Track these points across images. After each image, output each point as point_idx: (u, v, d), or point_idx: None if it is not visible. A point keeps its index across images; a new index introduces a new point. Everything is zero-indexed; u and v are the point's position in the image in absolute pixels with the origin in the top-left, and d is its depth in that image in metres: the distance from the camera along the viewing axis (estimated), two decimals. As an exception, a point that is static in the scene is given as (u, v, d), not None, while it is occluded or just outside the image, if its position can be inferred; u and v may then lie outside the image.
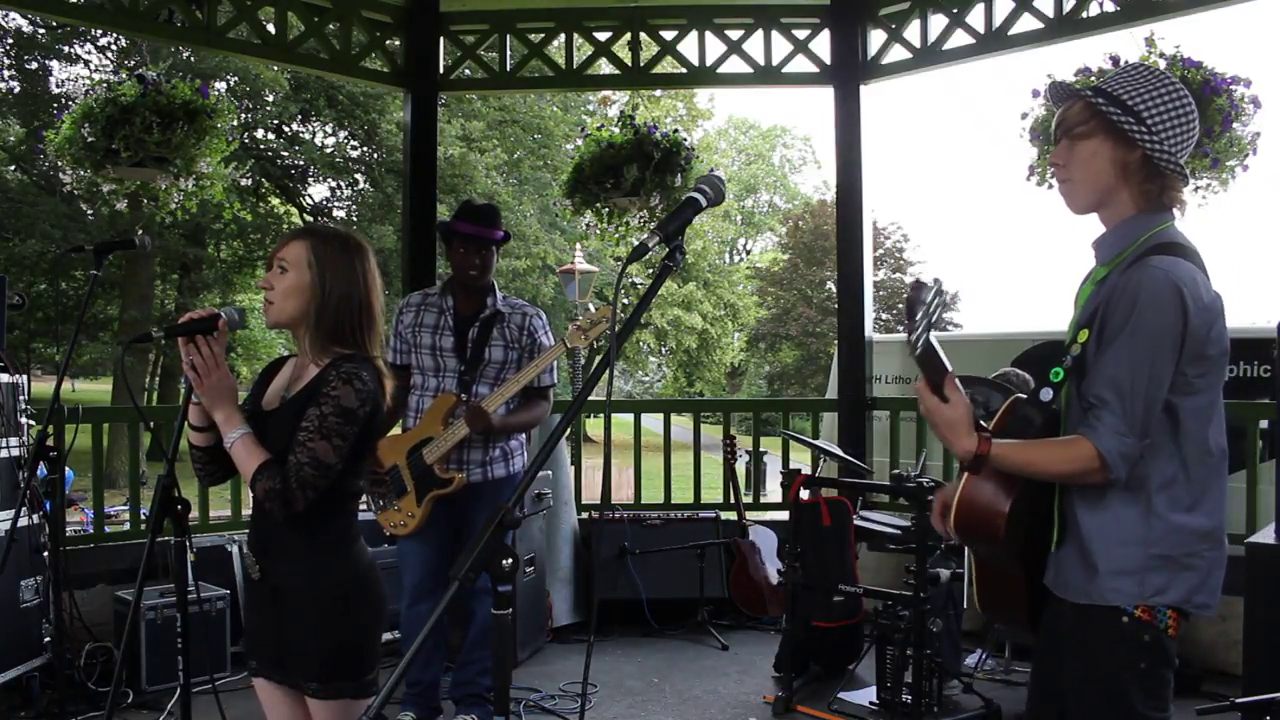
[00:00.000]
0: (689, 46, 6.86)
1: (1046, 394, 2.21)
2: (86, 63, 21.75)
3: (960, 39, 6.30)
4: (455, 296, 4.51)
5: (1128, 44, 5.32)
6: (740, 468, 7.27)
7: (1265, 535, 4.42)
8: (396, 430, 4.54)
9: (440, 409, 4.30)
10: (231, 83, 21.08)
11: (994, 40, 6.13)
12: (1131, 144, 2.21)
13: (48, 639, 4.74)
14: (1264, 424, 5.89)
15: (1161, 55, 5.12)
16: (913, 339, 2.06)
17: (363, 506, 4.03)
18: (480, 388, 4.40)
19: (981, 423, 2.20)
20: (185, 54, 19.38)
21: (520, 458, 4.59)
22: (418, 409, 4.46)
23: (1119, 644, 2.20)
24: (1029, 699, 2.55)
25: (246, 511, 2.80)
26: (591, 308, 4.12)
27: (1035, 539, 2.33)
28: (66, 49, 21.29)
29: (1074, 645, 2.27)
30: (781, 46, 6.79)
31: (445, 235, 4.50)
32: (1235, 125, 5.03)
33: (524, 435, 4.65)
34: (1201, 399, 2.20)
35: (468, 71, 7.81)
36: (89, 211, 19.75)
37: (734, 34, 6.79)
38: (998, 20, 6.11)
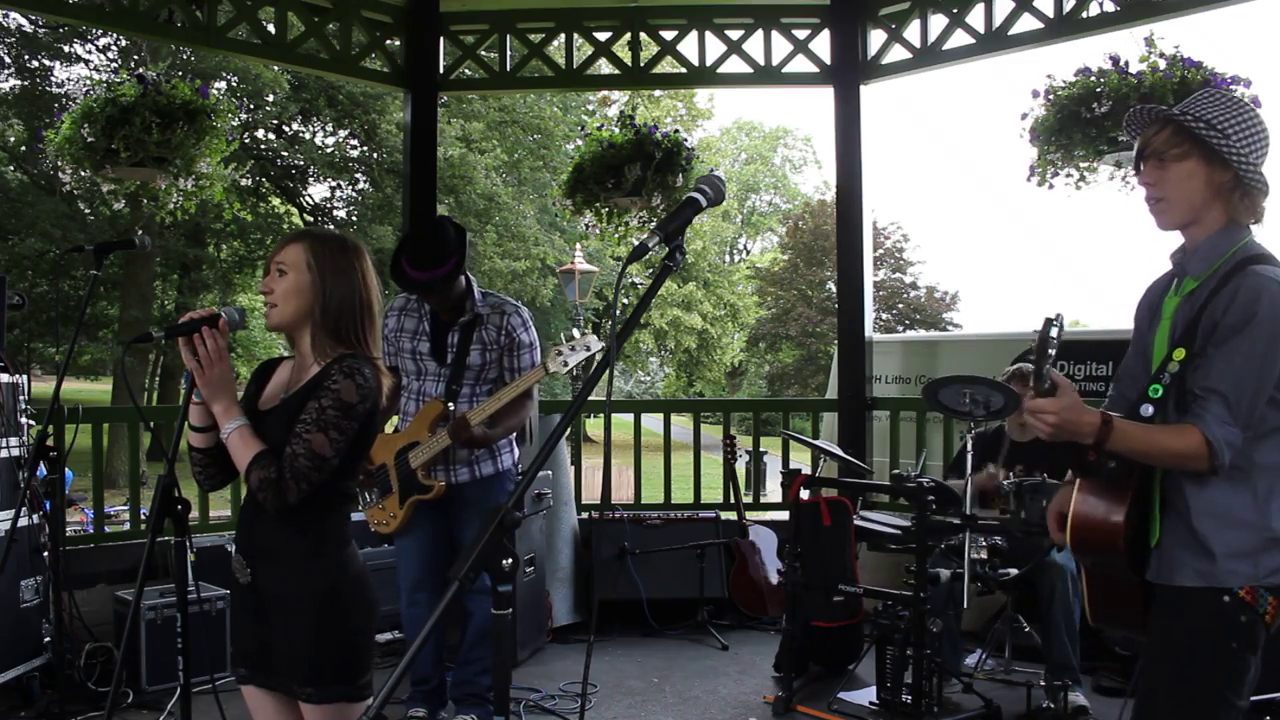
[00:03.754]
0: (689, 46, 6.86)
1: (1147, 410, 2.33)
2: (87, 63, 21.77)
3: (960, 39, 6.31)
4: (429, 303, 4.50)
5: (1128, 44, 5.33)
6: (740, 468, 7.27)
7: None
8: (389, 429, 4.57)
9: (427, 415, 4.33)
10: (232, 83, 21.09)
11: (994, 40, 6.14)
12: (1225, 164, 2.36)
13: (48, 639, 4.74)
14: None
15: (1161, 55, 5.12)
16: (1044, 372, 2.26)
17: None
18: (464, 391, 4.43)
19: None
20: (185, 54, 19.40)
21: (508, 453, 4.60)
22: (403, 411, 4.51)
23: (1214, 621, 2.31)
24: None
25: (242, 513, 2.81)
26: (576, 334, 4.10)
27: (1141, 542, 2.42)
28: (67, 49, 21.30)
29: (1167, 622, 2.37)
30: (781, 46, 6.80)
31: (397, 278, 4.38)
32: (1235, 125, 5.02)
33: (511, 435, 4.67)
34: None
35: (468, 71, 7.81)
36: (89, 211, 19.80)
37: (734, 34, 6.79)
38: (998, 20, 6.12)
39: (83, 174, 5.40)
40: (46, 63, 21.33)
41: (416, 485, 4.29)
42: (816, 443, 6.00)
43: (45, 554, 4.79)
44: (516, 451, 4.67)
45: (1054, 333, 2.26)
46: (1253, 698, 2.81)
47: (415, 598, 4.46)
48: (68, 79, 21.54)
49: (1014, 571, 4.73)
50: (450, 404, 4.36)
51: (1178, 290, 2.49)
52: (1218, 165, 2.36)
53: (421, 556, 4.45)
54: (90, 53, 21.81)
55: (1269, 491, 2.31)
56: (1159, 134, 2.42)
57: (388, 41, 6.82)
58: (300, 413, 2.48)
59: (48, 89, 20.89)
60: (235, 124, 5.84)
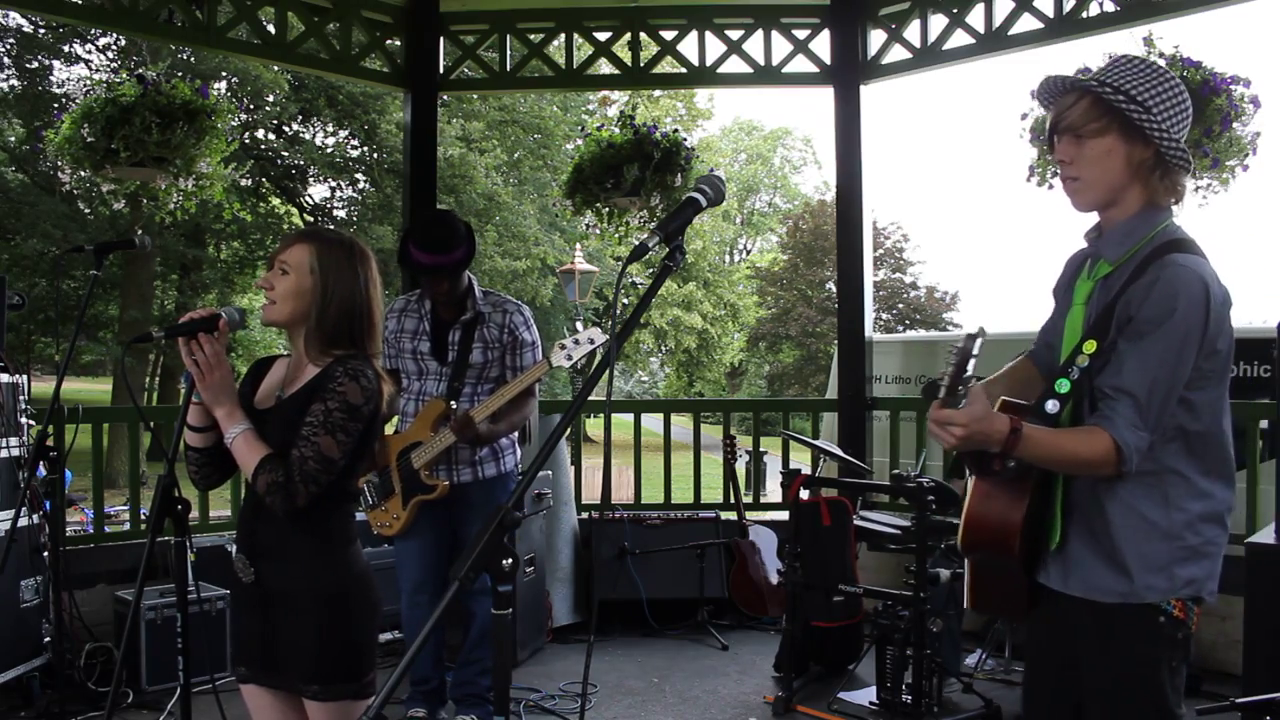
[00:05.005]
0: (689, 46, 6.86)
1: (1052, 406, 2.18)
2: (87, 63, 21.77)
3: (960, 39, 6.31)
4: (434, 301, 4.51)
5: (1127, 44, 5.33)
6: (740, 468, 7.27)
7: (1265, 535, 4.43)
8: (389, 431, 4.57)
9: (429, 415, 4.32)
10: (232, 83, 21.09)
11: (994, 40, 6.14)
12: (1146, 140, 2.19)
13: (48, 639, 4.74)
14: (1264, 424, 5.89)
15: (1161, 55, 5.12)
16: (959, 386, 2.09)
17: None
18: (465, 389, 4.43)
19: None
20: (185, 54, 19.40)
21: (511, 455, 4.61)
22: (403, 412, 4.50)
23: (1155, 643, 2.22)
24: (1031, 701, 2.52)
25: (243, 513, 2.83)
26: (580, 327, 4.08)
27: (1034, 540, 2.31)
28: (67, 49, 21.30)
29: (1102, 646, 2.27)
30: (781, 46, 6.80)
31: (405, 263, 4.41)
32: (1235, 125, 5.03)
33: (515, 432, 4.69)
34: (1214, 391, 2.22)
35: (468, 71, 7.82)
36: (89, 211, 19.81)
37: (734, 34, 6.79)
38: (998, 20, 6.11)
39: (82, 174, 5.39)
40: (46, 62, 21.32)
41: (420, 485, 4.28)
42: (816, 443, 6.00)
43: (45, 554, 4.79)
44: (519, 453, 4.68)
45: (976, 347, 2.10)
46: (1253, 698, 2.80)
47: (416, 599, 4.46)
48: (68, 79, 21.57)
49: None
50: (452, 402, 4.37)
51: (1091, 273, 2.34)
52: (1138, 142, 2.19)
53: (423, 558, 4.44)
54: (90, 53, 21.81)
55: (1179, 498, 2.20)
56: (1075, 106, 2.23)
57: (388, 41, 6.82)
58: (302, 414, 2.48)
59: (47, 89, 20.90)
60: (235, 124, 5.83)
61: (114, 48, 21.44)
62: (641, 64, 7.00)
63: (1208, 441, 2.24)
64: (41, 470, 4.70)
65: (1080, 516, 2.27)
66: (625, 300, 25.08)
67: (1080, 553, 2.27)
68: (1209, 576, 2.24)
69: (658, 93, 31.78)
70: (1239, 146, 5.08)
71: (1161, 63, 5.02)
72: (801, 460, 6.69)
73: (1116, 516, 2.22)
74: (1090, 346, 2.17)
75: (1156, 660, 2.21)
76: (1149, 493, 2.20)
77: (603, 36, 6.91)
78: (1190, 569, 2.21)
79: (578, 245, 20.23)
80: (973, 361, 2.09)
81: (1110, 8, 5.68)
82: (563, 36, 6.96)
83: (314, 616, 2.51)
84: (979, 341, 2.09)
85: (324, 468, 2.44)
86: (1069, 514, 2.29)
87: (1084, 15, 5.76)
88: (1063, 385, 2.18)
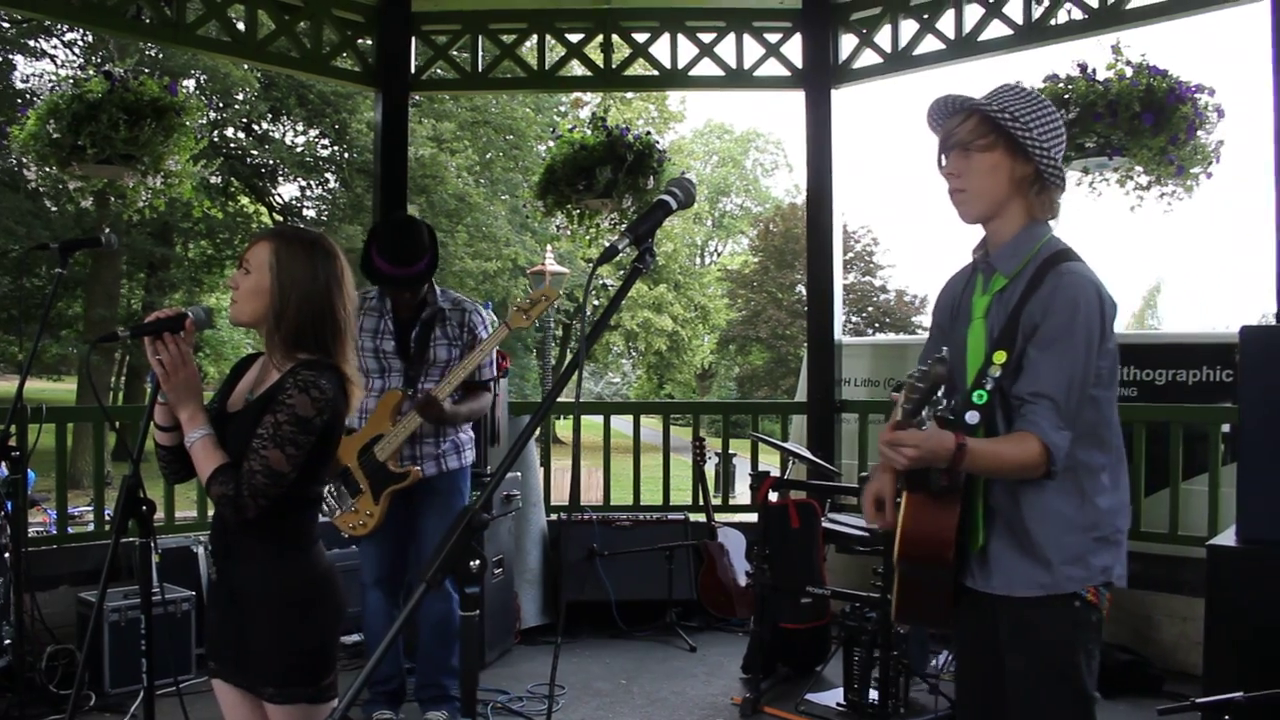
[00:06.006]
0: (661, 49, 6.88)
1: (973, 417, 2.28)
2: (52, 58, 21.52)
3: (931, 44, 6.35)
4: (394, 299, 4.50)
5: (1095, 51, 5.38)
6: (709, 470, 7.28)
7: (1226, 538, 4.47)
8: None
9: (387, 406, 4.33)
10: (201, 80, 20.91)
11: (964, 46, 6.18)
12: (1028, 158, 2.36)
13: (8, 641, 4.68)
14: (1226, 428, 5.96)
15: (1128, 63, 5.18)
16: (926, 414, 2.19)
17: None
18: (426, 384, 4.42)
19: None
20: (153, 51, 19.23)
21: (470, 451, 4.64)
22: (363, 410, 4.42)
23: (1073, 629, 2.35)
24: (963, 699, 2.64)
25: (212, 512, 2.81)
26: (529, 290, 4.12)
27: (961, 547, 2.42)
28: (32, 44, 21.04)
29: (1022, 636, 2.39)
30: (753, 50, 6.81)
31: (367, 269, 4.42)
32: (1199, 133, 5.10)
33: (472, 429, 4.73)
34: (1112, 390, 2.39)
35: (439, 71, 7.79)
36: (54, 209, 19.58)
37: (706, 37, 6.80)
38: (968, 26, 6.16)
39: (48, 171, 5.33)
40: (10, 58, 21.05)
41: (390, 477, 4.26)
42: (785, 445, 6.02)
43: (6, 555, 4.73)
44: (474, 451, 4.70)
45: (942, 370, 2.16)
46: (1213, 698, 2.84)
47: (373, 594, 4.48)
48: (32, 74, 21.31)
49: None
50: (410, 391, 4.37)
51: (986, 288, 2.47)
52: (1020, 159, 2.36)
53: (384, 553, 4.46)
54: (56, 48, 21.56)
55: (1092, 491, 2.35)
56: (964, 124, 2.39)
57: (359, 41, 6.79)
58: (258, 423, 2.44)
59: (11, 85, 20.62)
60: (204, 122, 5.78)
61: (80, 43, 21.21)
62: (614, 66, 7.00)
63: (1110, 437, 2.39)
64: (3, 470, 4.63)
65: (1000, 518, 2.39)
66: (595, 302, 25.06)
67: (1001, 552, 2.40)
68: (1118, 562, 2.39)
69: (630, 95, 31.82)
70: (1203, 154, 5.15)
71: (1128, 71, 5.12)
72: (770, 462, 6.71)
73: (1035, 513, 2.35)
74: (1000, 357, 2.30)
75: (1073, 644, 2.35)
76: (1063, 487, 2.33)
77: (575, 38, 6.91)
78: (1104, 557, 2.36)
79: (548, 247, 20.21)
80: (942, 388, 2.19)
81: (1079, 16, 5.74)
82: (535, 37, 6.95)
83: (272, 618, 2.48)
84: (946, 368, 2.18)
85: (272, 482, 2.41)
86: (990, 517, 2.40)
87: (1053, 23, 5.82)
88: (981, 397, 2.29)
